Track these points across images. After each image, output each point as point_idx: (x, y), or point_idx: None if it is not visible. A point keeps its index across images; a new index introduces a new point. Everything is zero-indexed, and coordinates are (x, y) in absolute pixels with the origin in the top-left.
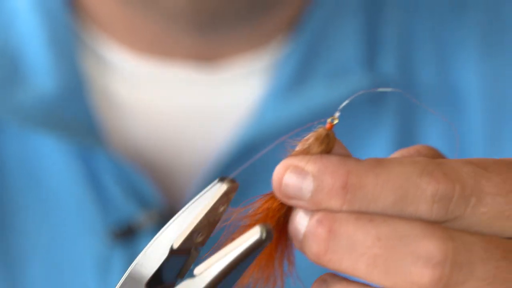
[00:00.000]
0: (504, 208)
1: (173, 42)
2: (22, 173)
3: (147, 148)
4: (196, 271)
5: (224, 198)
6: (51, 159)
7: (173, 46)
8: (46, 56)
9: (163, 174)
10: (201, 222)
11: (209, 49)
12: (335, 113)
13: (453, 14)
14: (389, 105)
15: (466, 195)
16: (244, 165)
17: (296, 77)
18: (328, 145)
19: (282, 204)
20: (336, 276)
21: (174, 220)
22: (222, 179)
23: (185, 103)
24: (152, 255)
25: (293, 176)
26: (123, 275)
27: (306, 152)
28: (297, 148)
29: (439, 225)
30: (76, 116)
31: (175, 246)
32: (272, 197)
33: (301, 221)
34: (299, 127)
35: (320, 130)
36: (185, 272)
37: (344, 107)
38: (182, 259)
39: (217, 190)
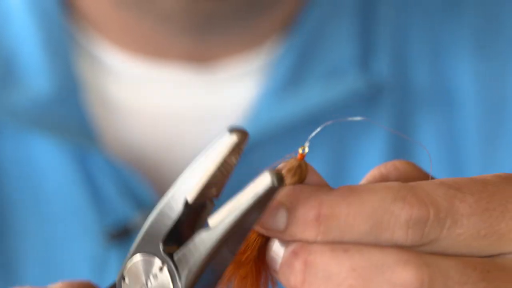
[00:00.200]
0: (480, 227)
1: (167, 43)
2: (18, 174)
3: (142, 149)
4: (210, 222)
5: (236, 149)
6: (47, 160)
7: (167, 47)
8: (41, 57)
9: (158, 174)
10: (213, 174)
11: (203, 50)
12: (305, 143)
13: (447, 15)
14: (383, 106)
15: (441, 218)
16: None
17: (291, 77)
18: (301, 176)
19: (261, 235)
20: None
21: (186, 174)
22: (232, 130)
23: (180, 104)
24: (167, 211)
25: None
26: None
27: None
28: None
29: (414, 251)
30: (71, 117)
31: (190, 200)
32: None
33: (277, 252)
34: (294, 127)
35: (292, 161)
36: (202, 225)
37: (339, 107)
38: (198, 212)
39: (227, 141)
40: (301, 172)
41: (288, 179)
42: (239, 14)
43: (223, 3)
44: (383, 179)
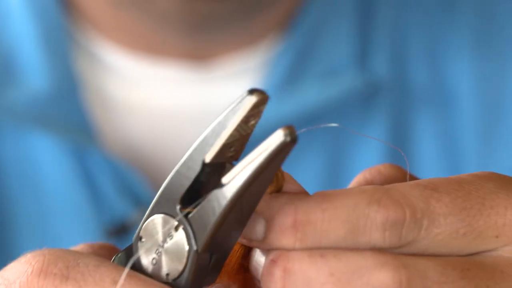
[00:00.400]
0: (458, 226)
1: (165, 42)
2: (17, 171)
3: (140, 147)
4: (224, 180)
5: (255, 110)
6: (46, 158)
7: (165, 45)
8: (39, 55)
9: (156, 172)
10: (232, 135)
11: (201, 48)
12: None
13: (445, 14)
14: (381, 105)
15: (418, 219)
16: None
17: (289, 76)
18: (277, 185)
19: (243, 245)
20: None
21: (205, 135)
22: (251, 91)
23: (178, 101)
24: (184, 171)
25: None
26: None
27: None
28: None
29: (391, 253)
30: (70, 115)
31: (207, 160)
32: None
33: (258, 261)
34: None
35: None
36: (220, 186)
37: (336, 106)
38: (216, 173)
39: (247, 102)
40: (278, 181)
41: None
42: (235, 15)
43: (219, 5)
44: (368, 184)
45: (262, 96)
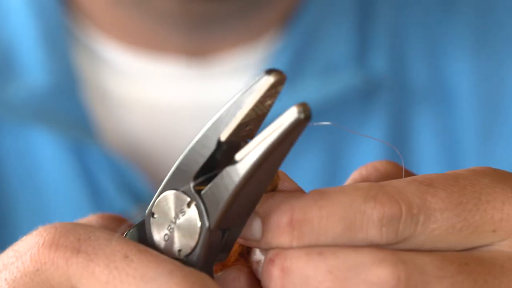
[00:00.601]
0: (454, 221)
1: (165, 38)
2: (17, 167)
3: (139, 143)
4: (237, 156)
5: (272, 90)
6: (46, 154)
7: (165, 42)
8: (39, 51)
9: (155, 168)
10: (248, 114)
11: (200, 44)
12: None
13: (444, 12)
14: (380, 102)
15: (414, 214)
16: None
17: (288, 73)
18: (273, 184)
19: (243, 246)
20: None
21: (221, 113)
22: (269, 71)
23: (177, 97)
24: (199, 149)
25: None
26: None
27: None
28: None
29: (389, 250)
30: (69, 111)
31: (223, 138)
32: None
33: (257, 260)
34: None
35: None
36: (234, 163)
37: (335, 103)
38: (231, 152)
39: (264, 82)
40: (273, 181)
41: None
42: (235, 14)
43: (218, 5)
44: (364, 181)
45: (279, 76)
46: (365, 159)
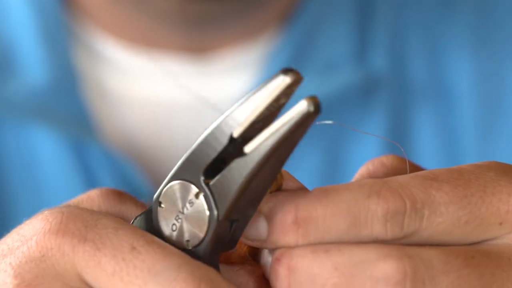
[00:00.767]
0: (460, 214)
1: (164, 35)
2: (16, 164)
3: (139, 140)
4: (247, 149)
5: (287, 90)
6: (45, 151)
7: (164, 39)
8: (38, 48)
9: (154, 165)
10: (262, 113)
11: (200, 41)
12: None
13: (444, 11)
14: (380, 100)
15: (418, 208)
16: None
17: None
18: (277, 184)
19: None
20: None
21: (235, 109)
22: (286, 71)
23: (177, 94)
24: (212, 142)
25: None
26: None
27: None
28: None
29: (394, 245)
30: (68, 108)
31: (235, 134)
32: (240, 241)
33: (265, 260)
34: None
35: None
36: (243, 155)
37: (335, 101)
38: (242, 145)
39: (281, 82)
40: (277, 180)
41: None
42: (233, 13)
43: (217, 4)
44: (371, 176)
45: (296, 77)
46: (365, 156)
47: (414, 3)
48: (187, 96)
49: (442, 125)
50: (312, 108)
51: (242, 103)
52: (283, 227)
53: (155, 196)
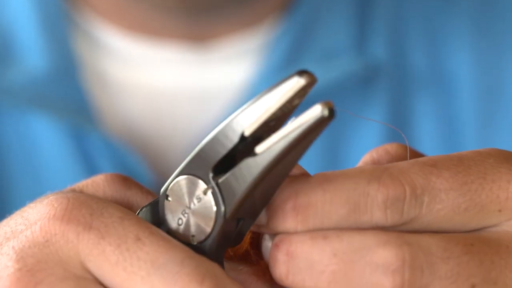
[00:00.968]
0: (460, 201)
1: (164, 24)
2: (16, 152)
3: (139, 128)
4: (258, 149)
5: (301, 92)
6: (45, 139)
7: (164, 27)
8: (38, 36)
9: (155, 153)
10: (275, 113)
11: (200, 29)
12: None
13: (444, 0)
14: (380, 88)
15: (418, 195)
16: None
17: (288, 57)
18: None
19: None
20: None
21: (247, 107)
22: (301, 73)
23: (177, 83)
24: (222, 139)
25: None
26: None
27: None
28: None
29: (394, 231)
30: (68, 96)
31: (247, 133)
32: None
33: (265, 246)
34: None
35: None
36: (254, 155)
37: (335, 89)
38: (253, 144)
39: (295, 83)
40: None
41: None
42: (234, 2)
43: None
44: (375, 163)
45: (310, 79)
46: (366, 145)
47: None
48: (189, 85)
49: (442, 115)
50: (326, 113)
51: (254, 102)
52: (283, 212)
53: (162, 189)
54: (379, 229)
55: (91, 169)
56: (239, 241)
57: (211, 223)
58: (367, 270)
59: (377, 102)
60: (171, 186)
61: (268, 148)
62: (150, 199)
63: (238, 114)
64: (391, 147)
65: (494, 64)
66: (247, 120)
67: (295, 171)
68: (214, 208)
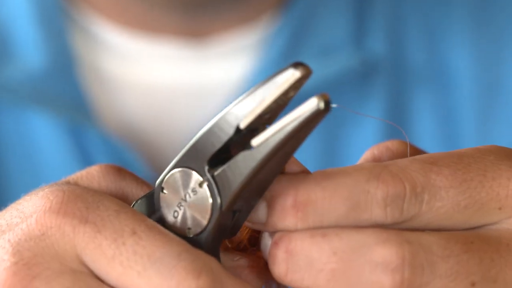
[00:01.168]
0: (460, 198)
1: (162, 19)
2: (14, 149)
3: (136, 124)
4: (254, 142)
5: (296, 84)
6: (43, 135)
7: (162, 23)
8: (35, 32)
9: (152, 149)
10: (270, 105)
11: (198, 25)
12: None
13: None
14: (378, 83)
15: (418, 193)
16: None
17: (286, 53)
18: None
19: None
20: None
21: (242, 99)
22: (296, 65)
23: (174, 78)
24: (217, 131)
25: None
26: None
27: None
28: None
29: (394, 229)
30: (66, 93)
31: (242, 126)
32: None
33: (265, 244)
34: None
35: None
36: (249, 148)
37: (333, 85)
38: (248, 136)
39: (290, 75)
40: None
41: None
42: None
43: None
44: (376, 161)
45: (306, 71)
46: (365, 141)
47: None
48: (186, 81)
49: (441, 110)
50: (322, 106)
51: (249, 95)
52: (283, 210)
53: (157, 181)
54: (378, 227)
55: (88, 165)
56: (235, 233)
57: (207, 216)
58: (366, 268)
59: (375, 98)
60: (167, 179)
61: (264, 141)
62: (145, 189)
63: (233, 106)
64: (392, 144)
65: (493, 59)
66: (242, 113)
67: (295, 168)
68: (210, 200)
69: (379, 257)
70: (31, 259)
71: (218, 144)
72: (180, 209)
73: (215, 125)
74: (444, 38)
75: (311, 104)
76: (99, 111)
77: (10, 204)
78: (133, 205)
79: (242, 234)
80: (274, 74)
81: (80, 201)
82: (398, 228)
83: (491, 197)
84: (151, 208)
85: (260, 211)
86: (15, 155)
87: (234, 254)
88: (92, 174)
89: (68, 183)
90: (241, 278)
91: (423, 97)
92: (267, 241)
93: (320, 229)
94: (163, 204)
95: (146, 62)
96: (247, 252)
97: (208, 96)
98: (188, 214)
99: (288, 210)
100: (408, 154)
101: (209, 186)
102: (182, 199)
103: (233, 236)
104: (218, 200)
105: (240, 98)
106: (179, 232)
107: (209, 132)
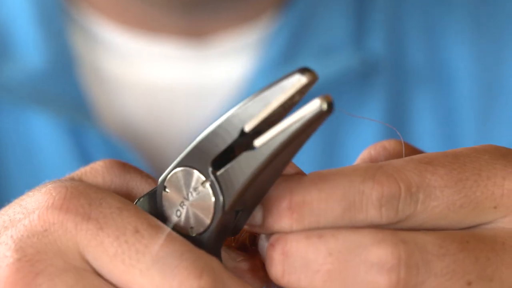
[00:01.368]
0: (455, 198)
1: (161, 19)
2: (14, 149)
3: (136, 123)
4: (257, 143)
5: (303, 89)
6: (43, 135)
7: (161, 23)
8: (35, 32)
9: (152, 149)
10: (276, 110)
11: (197, 24)
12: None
13: None
14: (378, 83)
15: (413, 192)
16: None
17: (286, 53)
18: None
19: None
20: None
21: (247, 102)
22: (302, 71)
23: (174, 78)
24: (222, 133)
25: None
26: None
27: None
28: None
29: (389, 229)
30: (66, 92)
31: (247, 129)
32: None
33: (262, 245)
34: None
35: None
36: (253, 148)
37: (333, 84)
38: (252, 138)
39: (296, 81)
40: None
41: None
42: None
43: None
44: (372, 161)
45: (312, 77)
46: (363, 141)
47: None
48: (186, 81)
49: (440, 110)
50: (325, 107)
51: (255, 98)
52: (278, 212)
53: (160, 179)
54: (374, 227)
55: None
56: (237, 233)
57: (210, 215)
58: (362, 268)
59: (375, 98)
60: (169, 177)
61: (267, 142)
62: (150, 183)
63: (239, 109)
64: (389, 144)
65: (493, 59)
66: (248, 116)
67: (290, 170)
68: (213, 200)
69: (375, 257)
70: (34, 255)
71: (222, 146)
72: (182, 208)
73: (220, 126)
74: (443, 38)
75: (314, 105)
76: (99, 111)
77: (9, 202)
78: (136, 202)
79: (242, 237)
80: (280, 78)
81: (83, 198)
82: (393, 228)
83: (486, 196)
84: (153, 206)
85: (256, 214)
86: (15, 155)
87: (236, 255)
88: (96, 169)
89: (72, 179)
90: (243, 278)
91: (423, 97)
92: (264, 243)
93: (315, 230)
94: (165, 202)
95: (146, 62)
96: (249, 251)
97: (208, 96)
98: (191, 213)
99: (283, 211)
100: (404, 154)
101: (212, 186)
102: (184, 198)
103: (235, 235)
104: (221, 199)
105: (245, 100)
106: (181, 231)
107: (214, 133)
